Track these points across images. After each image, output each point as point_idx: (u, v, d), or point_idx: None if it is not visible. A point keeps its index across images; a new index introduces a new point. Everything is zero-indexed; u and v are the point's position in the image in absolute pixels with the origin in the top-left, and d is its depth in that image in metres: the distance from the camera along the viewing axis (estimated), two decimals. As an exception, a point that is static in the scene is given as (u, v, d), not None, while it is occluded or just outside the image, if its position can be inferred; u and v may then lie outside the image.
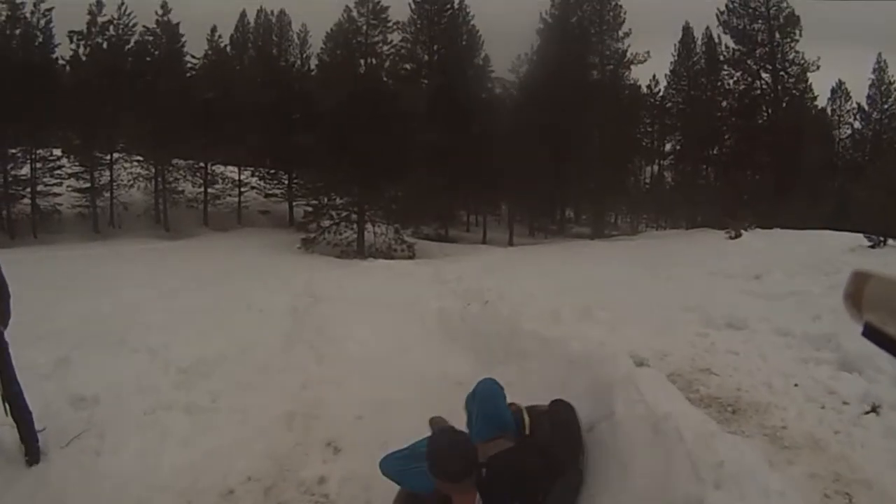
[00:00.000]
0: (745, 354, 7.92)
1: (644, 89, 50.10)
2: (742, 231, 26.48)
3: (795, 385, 6.62)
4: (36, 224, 30.31)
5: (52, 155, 32.11)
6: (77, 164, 32.55)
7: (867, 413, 5.63)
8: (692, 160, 48.86)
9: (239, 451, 5.50)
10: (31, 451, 5.01)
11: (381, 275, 14.64)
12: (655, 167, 53.97)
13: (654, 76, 50.46)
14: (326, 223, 30.14)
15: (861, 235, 18.85)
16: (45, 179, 31.61)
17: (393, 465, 3.70)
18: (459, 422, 4.08)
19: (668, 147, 52.19)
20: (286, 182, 38.70)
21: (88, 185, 32.49)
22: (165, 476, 5.02)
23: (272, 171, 39.48)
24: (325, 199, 30.70)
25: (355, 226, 30.47)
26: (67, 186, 31.99)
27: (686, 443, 3.37)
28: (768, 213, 33.96)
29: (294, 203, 37.23)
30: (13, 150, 30.60)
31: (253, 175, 39.50)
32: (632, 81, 48.09)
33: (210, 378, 6.75)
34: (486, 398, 3.88)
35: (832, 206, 39.75)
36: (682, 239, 29.31)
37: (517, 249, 31.49)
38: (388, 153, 27.85)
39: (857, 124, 51.38)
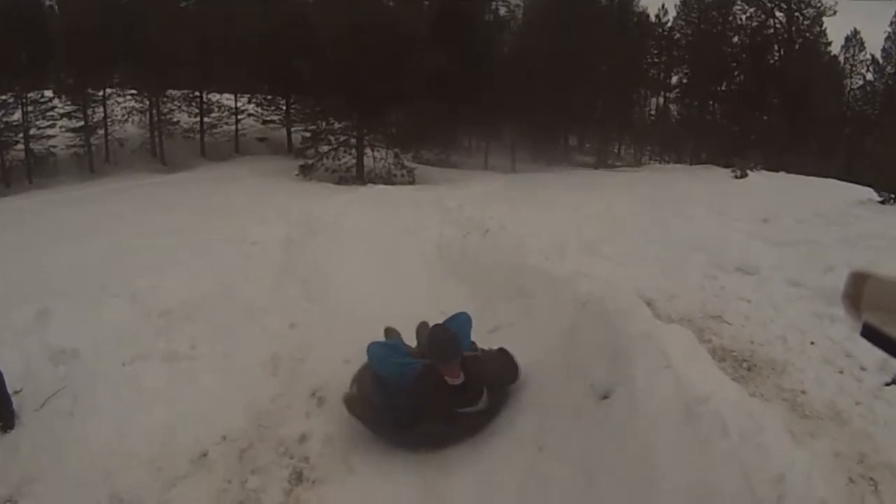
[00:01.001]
0: (757, 303, 7.60)
1: (653, 18, 48.96)
2: (748, 171, 26.25)
3: (812, 343, 6.31)
4: (31, 169, 29.75)
5: (42, 97, 31.27)
6: (69, 103, 31.76)
7: (888, 385, 5.28)
8: (699, 95, 47.94)
9: (216, 405, 5.20)
10: (5, 415, 4.68)
11: (380, 201, 13.99)
12: (661, 99, 52.97)
13: (662, 5, 49.19)
14: (325, 149, 29.32)
15: (870, 189, 18.60)
16: (37, 123, 30.85)
17: (378, 351, 5.08)
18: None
19: (674, 80, 51.11)
20: (284, 108, 37.67)
21: (81, 123, 31.67)
22: (136, 440, 4.68)
23: (269, 98, 38.35)
24: (324, 125, 29.81)
25: (354, 151, 29.66)
26: (61, 127, 31.23)
27: (732, 439, 2.89)
28: (774, 156, 33.62)
29: (292, 129, 36.31)
30: (3, 97, 29.72)
31: (250, 102, 38.48)
32: (640, 9, 46.96)
33: (192, 322, 6.36)
34: (460, 326, 5.12)
35: (839, 157, 39.37)
36: (687, 175, 29.01)
37: (519, 177, 31.06)
38: (389, 77, 26.84)
39: (869, 76, 50.25)
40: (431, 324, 5.13)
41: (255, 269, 8.09)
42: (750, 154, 31.23)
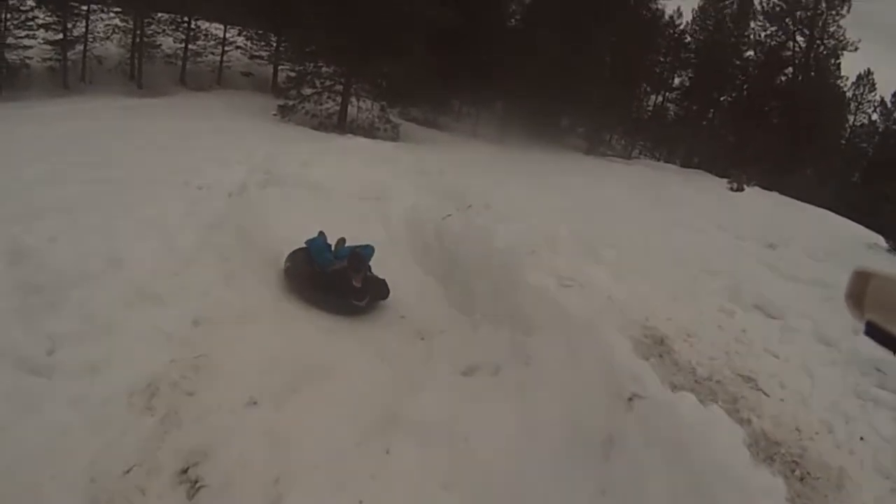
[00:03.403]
0: (788, 361, 6.46)
1: (666, 18, 47.47)
2: (744, 186, 25.40)
3: (861, 439, 5.33)
4: (2, 79, 27.24)
5: (24, 5, 28.89)
6: (50, 14, 29.47)
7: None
8: (699, 100, 47.12)
9: (50, 469, 3.54)
10: None
11: (356, 155, 12.75)
12: (660, 98, 52.01)
13: (678, 8, 47.31)
14: (308, 91, 27.54)
15: (862, 227, 18.82)
16: (15, 32, 28.44)
17: (321, 245, 7.28)
18: None
19: (676, 81, 50.15)
20: (274, 45, 35.48)
21: (60, 36, 29.31)
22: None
23: (260, 33, 36.02)
24: (311, 66, 28.10)
25: (339, 98, 27.95)
26: (40, 40, 28.88)
27: None
28: (770, 175, 32.98)
29: (279, 67, 34.26)
30: None
31: (240, 34, 36.28)
32: (657, 6, 45.62)
33: (65, 306, 4.71)
34: (367, 253, 7.00)
35: (833, 185, 39.21)
36: (682, 177, 28.26)
37: (508, 150, 29.61)
38: (387, 23, 25.19)
39: (875, 116, 49.89)
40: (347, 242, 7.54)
41: (183, 225, 6.64)
42: (748, 168, 30.33)
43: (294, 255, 7.00)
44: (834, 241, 14.65)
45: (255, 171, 9.91)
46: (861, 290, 1.35)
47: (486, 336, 5.29)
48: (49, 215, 6.00)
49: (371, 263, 7.03)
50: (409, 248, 7.83)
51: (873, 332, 1.29)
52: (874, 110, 49.30)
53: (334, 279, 6.64)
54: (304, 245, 7.22)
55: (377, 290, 6.86)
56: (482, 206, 8.94)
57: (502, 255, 6.35)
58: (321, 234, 7.60)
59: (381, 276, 7.11)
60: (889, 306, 1.29)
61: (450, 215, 8.19)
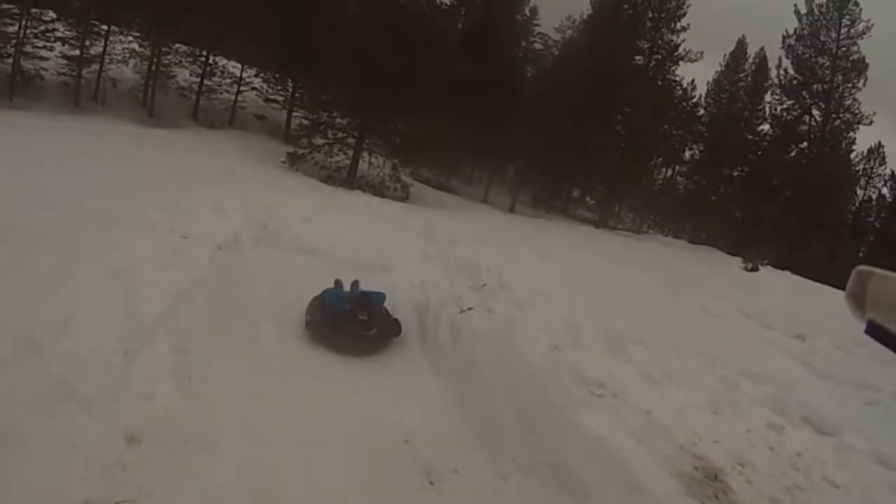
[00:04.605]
0: (850, 492, 5.54)
1: (679, 90, 47.28)
2: (759, 265, 24.94)
3: None
4: (15, 87, 27.40)
5: (46, 15, 29.26)
6: (70, 28, 29.85)
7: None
8: (710, 174, 46.73)
9: None
10: None
11: (363, 214, 12.42)
12: (670, 171, 51.77)
13: (692, 80, 47.72)
14: (320, 141, 27.25)
15: None
16: (34, 41, 28.73)
17: (335, 293, 7.96)
18: None
19: (686, 155, 49.93)
20: (290, 89, 35.35)
21: (78, 53, 29.58)
22: None
23: (277, 76, 35.89)
24: (325, 116, 27.84)
25: (351, 151, 27.63)
26: (58, 53, 29.26)
27: None
28: (779, 251, 32.51)
29: (293, 113, 34.15)
30: (7, 5, 27.50)
31: (257, 76, 36.20)
32: (674, 78, 45.58)
33: None
34: (376, 297, 7.93)
35: (842, 262, 38.83)
36: (694, 255, 28.08)
37: (519, 219, 29.29)
38: (406, 80, 24.97)
39: (884, 190, 49.31)
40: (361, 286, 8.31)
41: (148, 288, 5.71)
42: (760, 247, 29.82)
43: (312, 304, 7.77)
44: (858, 329, 13.89)
45: (252, 223, 9.51)
46: (862, 289, 1.37)
47: (520, 492, 4.16)
48: (9, 244, 5.52)
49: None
50: (416, 342, 7.30)
51: (874, 330, 1.33)
52: (884, 184, 49.00)
53: (344, 317, 7.39)
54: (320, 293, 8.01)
55: (387, 326, 7.66)
56: (497, 286, 8.49)
57: (535, 371, 5.51)
58: (337, 282, 8.39)
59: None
60: (889, 305, 1.31)
61: (470, 308, 7.53)
